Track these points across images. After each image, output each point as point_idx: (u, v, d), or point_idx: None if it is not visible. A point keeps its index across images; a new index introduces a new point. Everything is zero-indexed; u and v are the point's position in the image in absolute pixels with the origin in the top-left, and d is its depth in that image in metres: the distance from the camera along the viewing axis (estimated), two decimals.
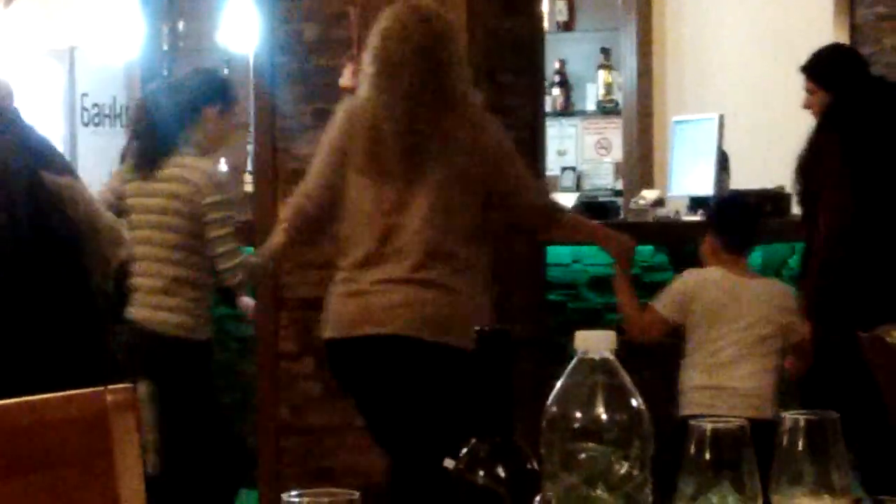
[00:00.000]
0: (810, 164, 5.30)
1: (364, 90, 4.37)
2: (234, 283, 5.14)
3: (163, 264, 5.06)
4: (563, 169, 8.58)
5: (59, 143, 6.68)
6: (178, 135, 5.15)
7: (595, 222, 5.17)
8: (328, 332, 4.36)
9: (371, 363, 4.26)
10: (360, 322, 4.26)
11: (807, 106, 5.49)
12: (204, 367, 5.26)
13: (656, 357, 5.27)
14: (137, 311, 5.06)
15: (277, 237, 4.57)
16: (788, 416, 1.59)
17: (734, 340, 4.74)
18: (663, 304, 4.83)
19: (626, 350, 1.60)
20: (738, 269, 4.85)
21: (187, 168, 5.09)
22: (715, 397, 4.69)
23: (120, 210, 5.04)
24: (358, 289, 4.30)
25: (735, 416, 1.59)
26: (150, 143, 5.15)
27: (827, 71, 5.50)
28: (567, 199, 6.44)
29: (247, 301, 5.91)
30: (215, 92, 5.34)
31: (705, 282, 4.82)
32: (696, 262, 5.17)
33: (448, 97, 4.31)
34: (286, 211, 4.58)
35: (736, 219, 5.02)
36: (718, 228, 4.96)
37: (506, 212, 4.50)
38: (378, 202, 4.29)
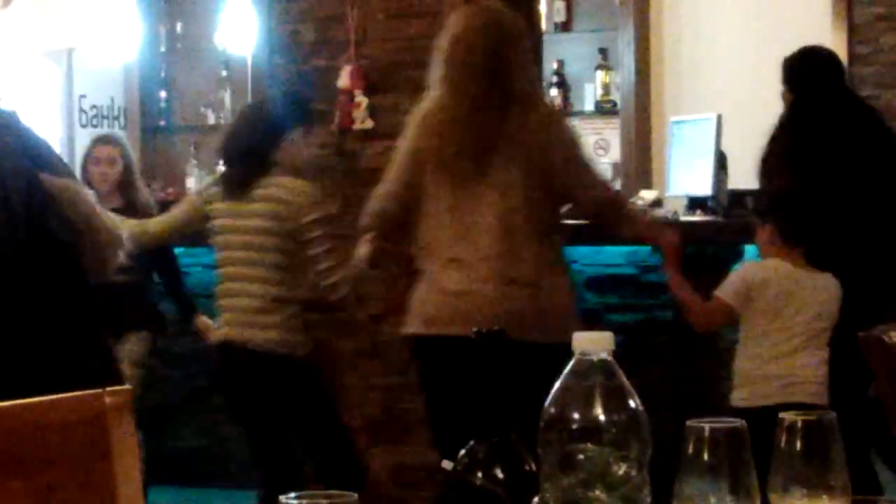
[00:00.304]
0: (762, 166, 5.37)
1: (435, 92, 4.51)
2: (338, 296, 5.15)
3: (263, 284, 5.11)
4: None
5: (56, 145, 6.68)
6: (269, 157, 5.17)
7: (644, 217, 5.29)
8: (413, 328, 4.48)
9: (459, 363, 4.26)
10: (448, 321, 4.34)
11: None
12: (312, 381, 5.26)
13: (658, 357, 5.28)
14: (237, 331, 5.12)
15: (364, 248, 4.61)
16: (786, 417, 1.59)
17: (800, 331, 4.84)
18: (729, 293, 4.90)
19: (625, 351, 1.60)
20: (797, 260, 4.93)
21: (285, 188, 5.13)
22: (785, 386, 4.78)
23: (196, 230, 5.16)
24: (443, 287, 4.39)
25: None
26: (241, 166, 5.21)
27: (793, 73, 5.55)
28: None
29: (204, 320, 5.95)
30: (303, 114, 5.37)
31: (771, 273, 4.92)
32: (693, 262, 5.19)
33: (515, 97, 4.40)
34: (366, 219, 4.61)
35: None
36: (784, 220, 5.03)
37: (576, 207, 4.68)
38: (454, 201, 4.41)
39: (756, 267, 5.03)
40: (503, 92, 4.42)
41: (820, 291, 4.90)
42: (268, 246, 5.10)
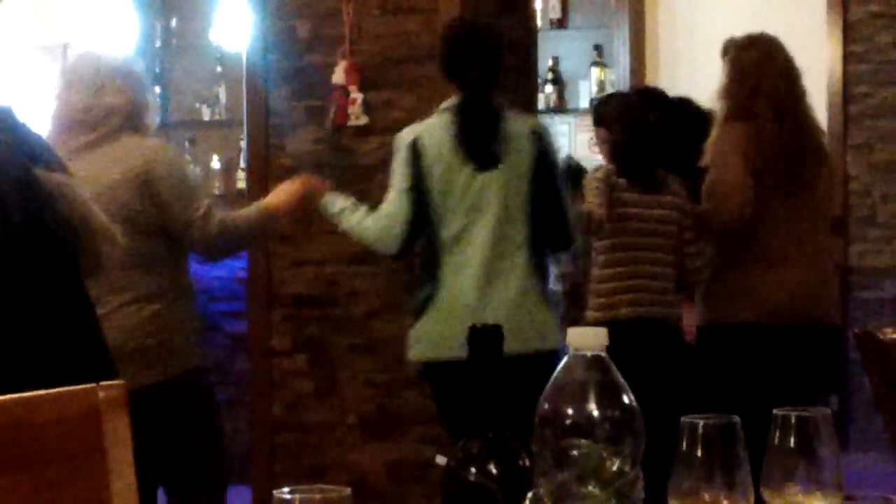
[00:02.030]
0: None
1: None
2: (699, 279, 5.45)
3: (667, 268, 5.45)
4: None
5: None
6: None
7: None
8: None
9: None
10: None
11: None
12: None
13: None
14: (655, 310, 5.42)
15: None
16: (780, 413, 1.59)
17: None
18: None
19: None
20: None
21: (675, 180, 5.52)
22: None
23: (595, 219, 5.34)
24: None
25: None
26: (651, 163, 5.53)
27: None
28: None
29: None
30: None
31: None
32: None
33: None
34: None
35: None
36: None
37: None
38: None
39: None
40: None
41: None
42: (673, 234, 5.51)
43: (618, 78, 8.43)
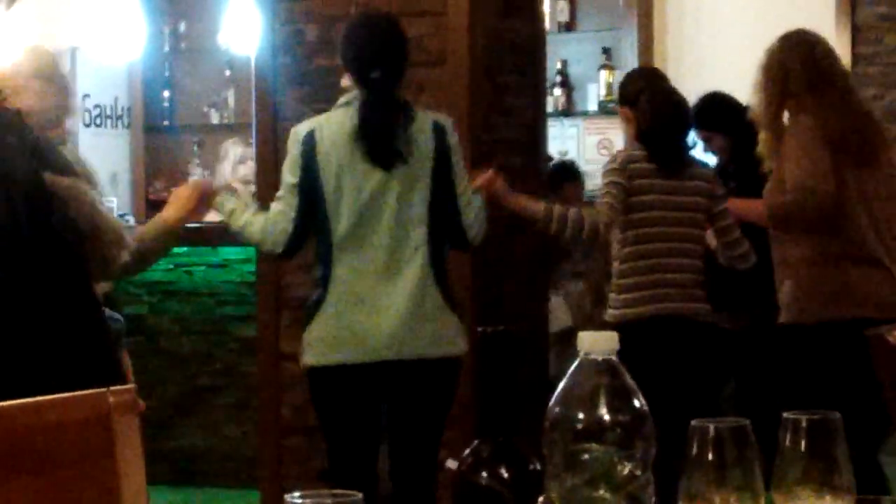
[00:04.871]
0: None
1: None
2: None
3: (694, 259, 5.31)
4: None
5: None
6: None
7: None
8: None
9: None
10: None
11: None
12: None
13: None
14: (681, 306, 5.25)
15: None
16: (791, 416, 1.59)
17: None
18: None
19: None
20: None
21: (703, 169, 5.48)
22: None
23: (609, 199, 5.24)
24: None
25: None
26: (681, 149, 5.43)
27: None
28: None
29: None
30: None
31: None
32: None
33: None
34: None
35: None
36: None
37: None
38: None
39: None
40: None
41: None
42: (697, 221, 5.42)
43: None
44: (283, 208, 4.50)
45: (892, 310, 4.82)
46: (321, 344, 4.50)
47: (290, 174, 4.51)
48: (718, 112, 6.15)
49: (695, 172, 5.35)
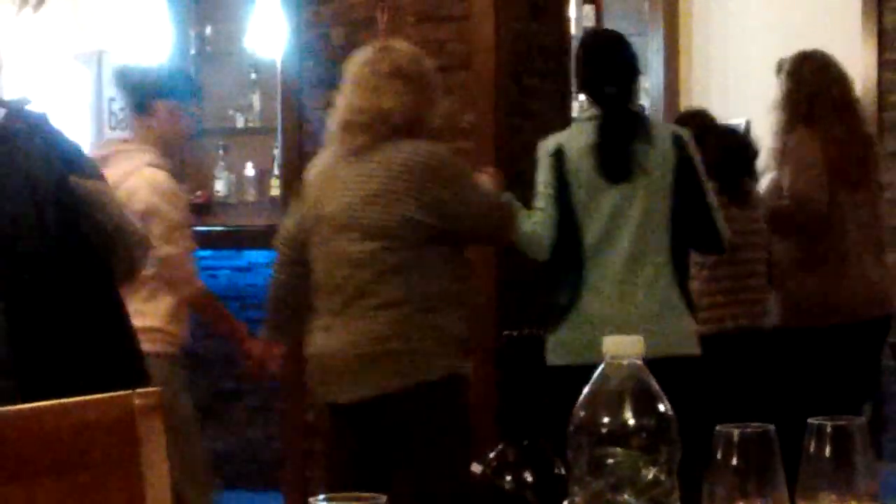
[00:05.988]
0: None
1: None
2: None
3: (761, 278, 5.69)
4: None
5: (86, 147, 6.69)
6: None
7: None
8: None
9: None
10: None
11: None
12: None
13: None
14: (755, 321, 5.63)
15: None
16: (815, 422, 1.59)
17: None
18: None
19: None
20: None
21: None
22: None
23: None
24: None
25: None
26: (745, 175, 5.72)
27: None
28: None
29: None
30: None
31: None
32: None
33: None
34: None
35: None
36: None
37: None
38: None
39: None
40: None
41: None
42: None
43: (652, 86, 8.41)
44: (544, 218, 4.72)
45: (863, 311, 5.44)
46: (571, 346, 4.59)
47: (544, 185, 4.74)
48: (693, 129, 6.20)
49: (758, 200, 5.70)
